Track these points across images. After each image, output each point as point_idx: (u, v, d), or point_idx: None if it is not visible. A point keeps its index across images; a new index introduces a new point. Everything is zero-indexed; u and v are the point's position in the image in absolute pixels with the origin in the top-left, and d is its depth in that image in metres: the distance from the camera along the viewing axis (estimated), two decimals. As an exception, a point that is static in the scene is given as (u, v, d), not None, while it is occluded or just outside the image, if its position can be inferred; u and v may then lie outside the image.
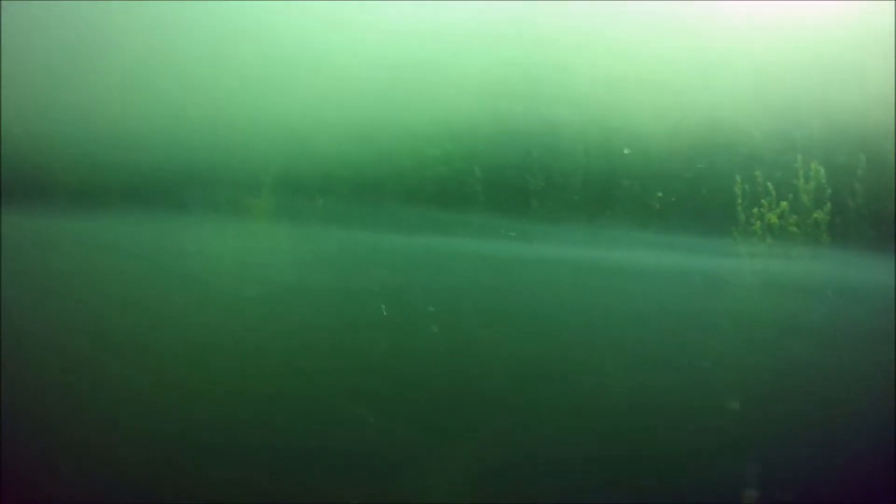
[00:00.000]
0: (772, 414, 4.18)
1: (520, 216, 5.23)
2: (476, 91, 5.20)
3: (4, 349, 4.18)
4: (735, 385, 4.30)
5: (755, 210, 5.26)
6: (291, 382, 4.21)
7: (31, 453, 3.71)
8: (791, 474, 3.79)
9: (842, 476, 3.69)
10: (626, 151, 4.78)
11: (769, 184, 5.26)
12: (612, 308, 4.63)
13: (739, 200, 5.26)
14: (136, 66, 5.49)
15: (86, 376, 4.26)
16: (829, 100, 5.40)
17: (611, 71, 5.32)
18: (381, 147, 5.20)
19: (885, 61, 5.12)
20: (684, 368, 4.37)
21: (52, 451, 3.73)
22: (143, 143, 5.38)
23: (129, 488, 3.52)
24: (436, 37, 5.22)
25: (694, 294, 4.84)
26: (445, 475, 3.59)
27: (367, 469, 3.58)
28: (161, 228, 5.18)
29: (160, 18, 5.42)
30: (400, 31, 5.21)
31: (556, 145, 5.26)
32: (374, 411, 3.80)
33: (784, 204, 5.24)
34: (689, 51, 5.49)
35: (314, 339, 4.36)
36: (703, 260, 5.11)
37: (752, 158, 5.37)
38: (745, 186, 5.28)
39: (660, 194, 5.30)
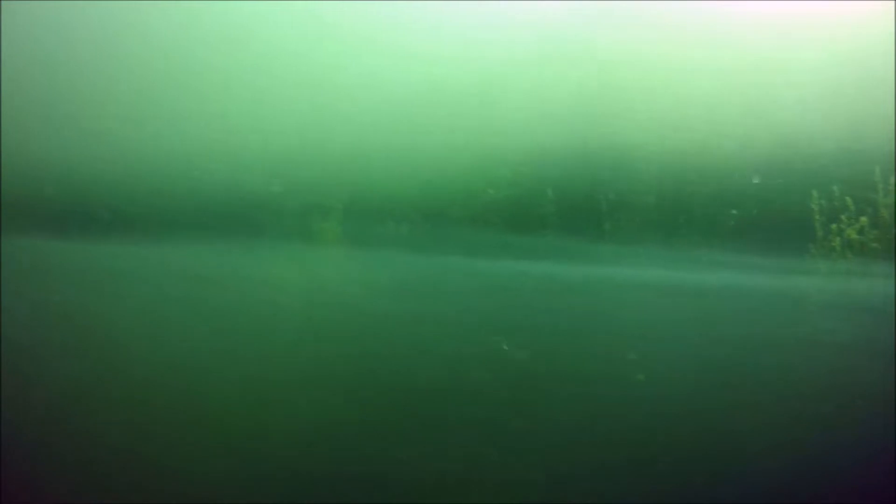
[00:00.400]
0: (855, 437, 4.09)
1: (592, 238, 5.16)
2: (545, 111, 5.15)
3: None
4: (820, 408, 4.21)
5: (833, 226, 5.14)
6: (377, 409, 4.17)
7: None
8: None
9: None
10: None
11: (847, 198, 5.14)
12: (692, 330, 4.55)
13: (817, 216, 5.15)
14: (190, 80, 5.47)
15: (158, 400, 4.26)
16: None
17: (680, 87, 5.24)
18: (450, 170, 5.16)
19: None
20: (767, 391, 4.28)
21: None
22: (199, 166, 5.36)
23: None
24: (504, 58, 5.17)
25: (774, 315, 4.74)
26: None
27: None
28: (227, 256, 5.17)
29: (218, 28, 5.39)
30: (467, 53, 5.17)
31: (628, 165, 5.19)
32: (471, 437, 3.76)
33: (864, 219, 5.12)
34: (757, 64, 5.39)
35: (394, 366, 4.32)
36: (780, 279, 5.01)
37: (828, 173, 5.26)
38: (821, 202, 5.17)
39: (734, 212, 5.21)
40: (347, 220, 5.20)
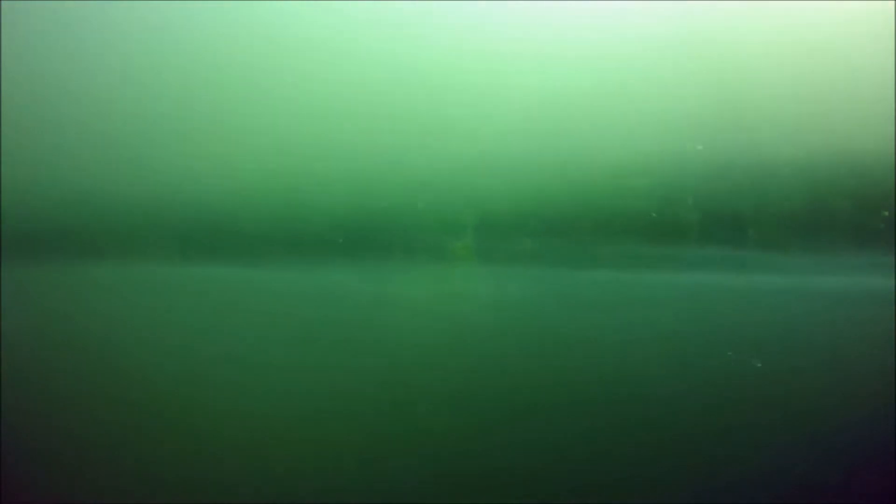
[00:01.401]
0: None
1: (735, 246, 4.94)
2: (681, 116, 4.97)
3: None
4: None
5: None
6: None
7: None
8: None
9: None
10: None
11: None
12: (860, 342, 4.30)
13: (978, 215, 4.87)
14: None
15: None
16: None
17: (821, 88, 5.02)
18: (583, 180, 5.00)
19: None
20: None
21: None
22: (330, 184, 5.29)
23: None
24: (632, 61, 5.01)
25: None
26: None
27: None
28: (362, 276, 5.06)
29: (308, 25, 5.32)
30: (593, 55, 5.03)
31: (768, 169, 4.97)
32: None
33: None
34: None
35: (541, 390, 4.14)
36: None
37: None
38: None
39: (886, 213, 4.95)
40: (479, 236, 5.08)
